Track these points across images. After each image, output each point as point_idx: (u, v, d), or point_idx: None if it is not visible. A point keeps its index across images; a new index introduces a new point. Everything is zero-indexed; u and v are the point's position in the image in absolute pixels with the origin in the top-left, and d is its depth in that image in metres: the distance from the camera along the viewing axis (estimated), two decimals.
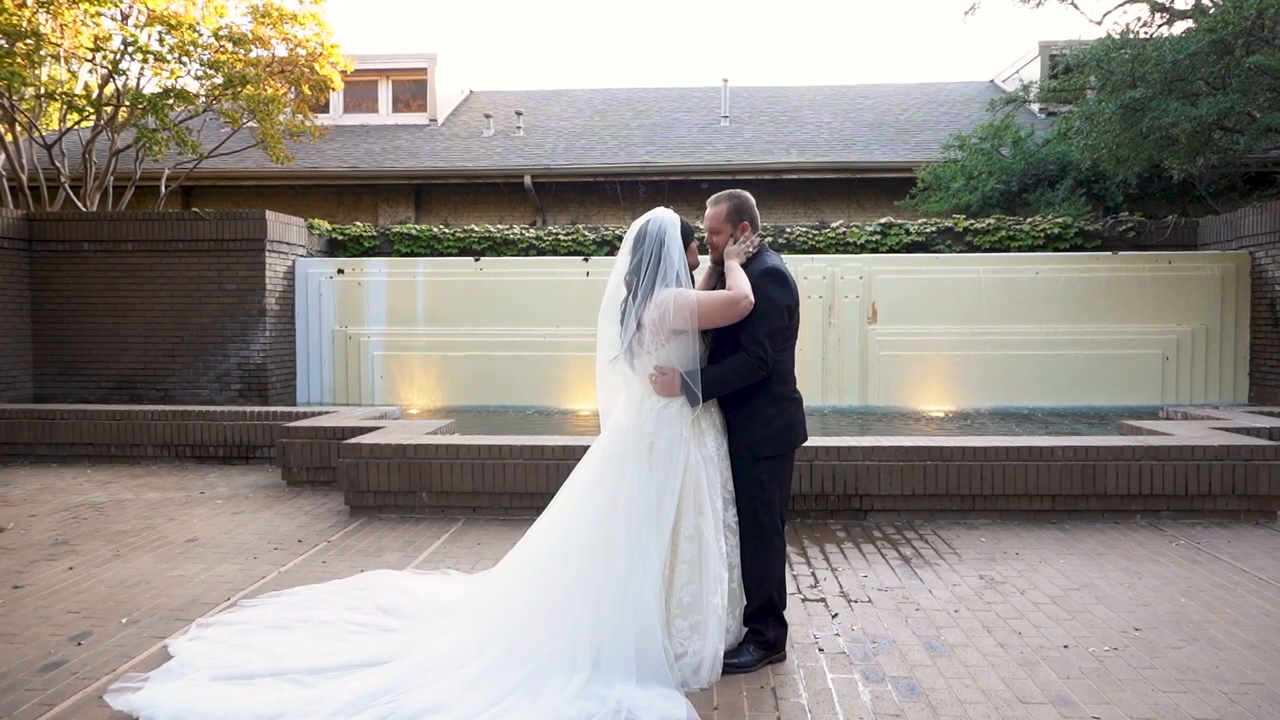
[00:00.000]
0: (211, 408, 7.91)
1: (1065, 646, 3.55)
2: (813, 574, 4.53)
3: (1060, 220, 10.15)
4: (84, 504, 6.17)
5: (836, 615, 3.93)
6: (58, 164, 10.61)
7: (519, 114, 15.73)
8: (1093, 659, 3.42)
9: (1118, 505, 5.54)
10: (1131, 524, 5.47)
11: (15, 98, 9.68)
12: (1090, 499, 5.53)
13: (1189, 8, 9.27)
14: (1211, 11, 8.30)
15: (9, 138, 10.31)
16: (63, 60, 10.96)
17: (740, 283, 3.28)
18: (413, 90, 16.50)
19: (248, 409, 7.85)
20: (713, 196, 3.50)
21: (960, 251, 10.08)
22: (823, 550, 4.97)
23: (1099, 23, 9.66)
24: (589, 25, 60.52)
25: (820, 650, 3.52)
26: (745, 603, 3.43)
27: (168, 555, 4.88)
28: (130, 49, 9.61)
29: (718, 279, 3.41)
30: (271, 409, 7.91)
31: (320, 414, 7.44)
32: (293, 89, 11.42)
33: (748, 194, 3.49)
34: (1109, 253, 9.61)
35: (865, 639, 3.65)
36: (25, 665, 3.37)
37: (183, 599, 4.14)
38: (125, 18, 9.91)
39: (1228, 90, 7.64)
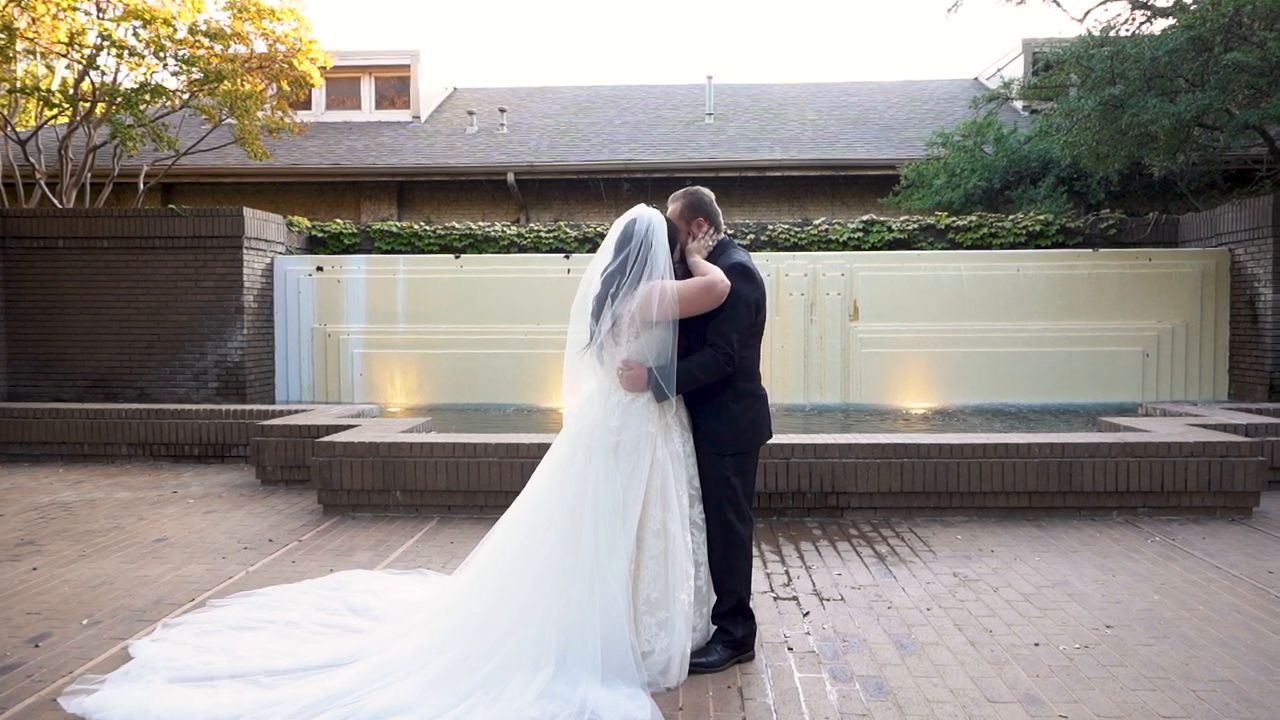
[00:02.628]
0: (187, 406, 7.83)
1: (1036, 644, 3.53)
2: (786, 572, 4.50)
3: (1042, 218, 10.16)
4: (53, 504, 6.08)
5: (808, 614, 3.90)
6: (33, 160, 10.48)
7: (503, 111, 15.65)
8: (1063, 657, 3.40)
9: (1094, 502, 5.53)
10: (1108, 521, 5.47)
11: None
12: (1067, 496, 5.52)
13: (1170, 5, 9.28)
14: (1193, 8, 8.32)
15: None
16: (38, 55, 10.83)
17: (711, 269, 3.26)
18: (396, 87, 16.41)
19: (223, 407, 7.77)
20: (671, 196, 3.51)
21: (943, 249, 10.08)
22: (798, 548, 4.94)
23: (1081, 20, 9.62)
24: (573, 22, 60.34)
25: (790, 649, 3.49)
26: (713, 600, 3.39)
27: (135, 555, 4.81)
28: (106, 43, 9.49)
29: (682, 274, 3.37)
30: (248, 407, 7.82)
31: (296, 412, 7.37)
32: (272, 85, 11.32)
33: (705, 191, 3.48)
34: (1089, 250, 9.62)
35: (835, 637, 3.62)
36: None
37: (146, 599, 4.07)
38: (101, 12, 9.79)
39: (1206, 87, 7.65)
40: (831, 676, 3.24)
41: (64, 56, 10.15)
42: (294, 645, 3.41)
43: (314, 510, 5.83)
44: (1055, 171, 11.03)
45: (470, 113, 15.73)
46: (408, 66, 16.20)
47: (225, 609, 3.81)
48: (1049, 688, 3.13)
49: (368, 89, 16.33)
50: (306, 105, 15.23)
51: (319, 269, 9.89)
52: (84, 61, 9.74)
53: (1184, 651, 3.45)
